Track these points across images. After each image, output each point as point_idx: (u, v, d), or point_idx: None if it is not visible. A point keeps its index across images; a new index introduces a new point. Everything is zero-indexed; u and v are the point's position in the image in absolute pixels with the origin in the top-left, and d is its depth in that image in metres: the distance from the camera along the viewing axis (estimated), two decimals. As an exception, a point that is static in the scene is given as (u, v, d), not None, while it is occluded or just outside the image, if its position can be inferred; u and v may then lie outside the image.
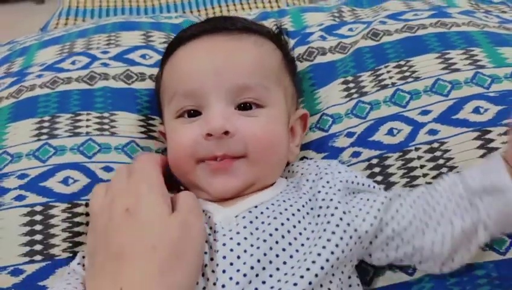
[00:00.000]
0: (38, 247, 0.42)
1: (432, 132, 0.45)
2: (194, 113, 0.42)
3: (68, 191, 0.44)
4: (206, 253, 0.36)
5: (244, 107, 0.42)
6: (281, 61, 0.47)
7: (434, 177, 0.44)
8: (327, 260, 0.35)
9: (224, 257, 0.35)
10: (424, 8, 0.59)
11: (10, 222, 0.43)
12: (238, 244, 0.36)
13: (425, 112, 0.46)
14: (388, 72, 0.50)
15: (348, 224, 0.37)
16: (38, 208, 0.43)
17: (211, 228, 0.38)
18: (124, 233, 0.33)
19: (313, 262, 0.35)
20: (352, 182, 0.41)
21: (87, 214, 0.44)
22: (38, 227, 0.42)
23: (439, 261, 0.39)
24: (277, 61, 0.46)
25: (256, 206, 0.39)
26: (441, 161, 0.44)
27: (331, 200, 0.39)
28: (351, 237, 0.37)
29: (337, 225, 0.37)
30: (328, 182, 0.40)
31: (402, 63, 0.50)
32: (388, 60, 0.50)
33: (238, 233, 0.36)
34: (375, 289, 0.42)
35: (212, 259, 0.36)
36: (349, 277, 0.40)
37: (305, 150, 0.49)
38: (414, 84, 0.48)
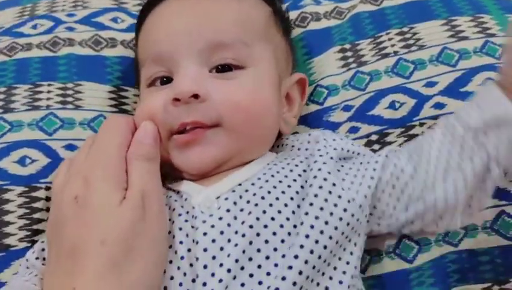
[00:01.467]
0: (-10, 237, 0.38)
1: (438, 105, 0.42)
2: (166, 81, 0.38)
3: (25, 173, 0.41)
4: (181, 243, 0.32)
5: (222, 69, 0.37)
6: (268, 16, 0.42)
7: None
8: (316, 242, 0.31)
9: (205, 250, 0.31)
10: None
11: (-42, 209, 0.39)
12: (221, 233, 0.32)
13: (430, 84, 0.44)
14: (390, 39, 0.47)
15: (340, 196, 0.34)
16: (-10, 192, 0.40)
17: (188, 212, 0.33)
18: (73, 225, 0.30)
19: (301, 247, 0.31)
20: (348, 150, 0.38)
21: (47, 199, 0.40)
22: (-11, 213, 0.39)
23: (457, 212, 0.35)
24: (263, 16, 0.41)
25: (240, 184, 0.35)
26: (447, 138, 0.41)
27: (320, 169, 0.35)
28: (345, 210, 0.34)
29: (326, 200, 0.33)
30: (319, 149, 0.37)
31: (405, 29, 0.47)
32: (390, 27, 0.48)
33: (220, 219, 0.32)
34: (371, 277, 0.39)
35: (189, 250, 0.32)
36: (355, 267, 0.36)
37: (298, 124, 0.45)
38: (418, 53, 0.45)
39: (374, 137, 0.43)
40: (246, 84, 0.36)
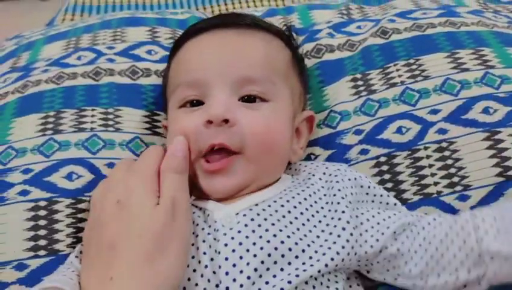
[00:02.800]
0: (42, 242, 0.42)
1: (441, 131, 0.45)
2: (196, 104, 0.41)
3: (72, 187, 0.44)
4: (205, 253, 0.35)
5: (248, 99, 0.41)
6: (289, 60, 0.46)
7: (442, 177, 0.43)
8: (326, 266, 0.35)
9: (226, 259, 0.35)
10: (433, 6, 0.58)
11: (14, 217, 0.42)
12: (240, 244, 0.35)
13: (434, 111, 0.46)
14: (397, 70, 0.49)
15: (351, 234, 0.37)
16: (43, 203, 0.43)
17: (210, 226, 0.37)
18: (114, 224, 0.34)
19: (311, 266, 0.35)
20: (362, 186, 0.41)
21: (91, 210, 0.43)
22: (42, 222, 0.42)
23: None
24: (285, 59, 0.46)
25: (257, 204, 0.38)
26: (449, 161, 0.44)
27: (338, 203, 0.39)
28: (352, 247, 0.37)
29: (339, 236, 0.37)
30: (339, 190, 0.40)
31: (411, 61, 0.49)
32: (397, 58, 0.50)
33: (239, 232, 0.36)
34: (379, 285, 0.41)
35: (212, 259, 0.35)
36: (348, 278, 0.39)
37: (312, 146, 0.48)
38: (423, 83, 0.48)
39: (382, 159, 0.45)
40: (269, 115, 0.40)
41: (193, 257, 0.35)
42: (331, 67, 0.52)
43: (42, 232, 0.42)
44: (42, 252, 0.41)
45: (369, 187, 0.42)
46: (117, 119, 0.48)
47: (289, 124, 0.43)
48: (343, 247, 0.36)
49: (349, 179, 0.41)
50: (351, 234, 0.37)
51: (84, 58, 0.54)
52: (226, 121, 0.39)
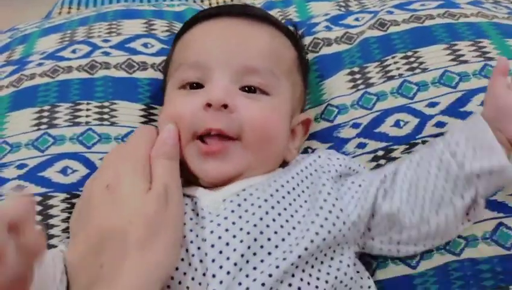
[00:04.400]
0: (37, 237, 0.41)
1: (440, 124, 0.45)
2: (196, 86, 0.41)
3: (67, 181, 0.44)
4: (192, 242, 0.35)
5: (249, 90, 0.41)
6: (295, 58, 0.46)
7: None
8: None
9: (212, 246, 0.34)
10: (432, -3, 0.58)
11: (9, 212, 0.42)
12: (227, 230, 0.35)
13: (432, 104, 0.46)
14: (395, 63, 0.49)
15: (341, 210, 0.37)
16: (37, 198, 0.43)
17: (197, 214, 0.37)
18: (104, 208, 0.33)
19: (306, 249, 0.35)
20: (350, 168, 0.42)
21: (86, 205, 0.43)
22: (37, 217, 0.41)
23: (447, 236, 0.40)
24: (291, 56, 0.46)
25: (244, 189, 0.38)
26: (448, 155, 0.43)
27: (324, 185, 0.39)
28: (344, 223, 0.37)
29: (330, 211, 0.37)
30: (322, 166, 0.40)
31: (409, 54, 0.49)
32: (395, 51, 0.50)
33: (225, 218, 0.35)
34: (377, 282, 0.41)
35: (199, 248, 0.35)
36: (355, 264, 0.39)
37: (310, 140, 0.48)
38: (422, 75, 0.47)
39: (380, 153, 0.45)
40: (267, 108, 0.40)
41: (180, 246, 0.35)
42: (329, 61, 0.52)
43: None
44: (37, 248, 0.41)
45: (353, 170, 0.42)
46: (112, 113, 0.48)
47: (286, 121, 0.43)
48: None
49: (333, 165, 0.41)
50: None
51: (80, 52, 0.53)
52: (225, 106, 0.38)
